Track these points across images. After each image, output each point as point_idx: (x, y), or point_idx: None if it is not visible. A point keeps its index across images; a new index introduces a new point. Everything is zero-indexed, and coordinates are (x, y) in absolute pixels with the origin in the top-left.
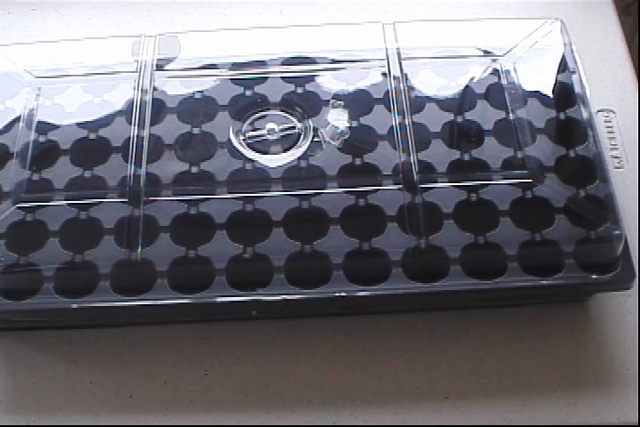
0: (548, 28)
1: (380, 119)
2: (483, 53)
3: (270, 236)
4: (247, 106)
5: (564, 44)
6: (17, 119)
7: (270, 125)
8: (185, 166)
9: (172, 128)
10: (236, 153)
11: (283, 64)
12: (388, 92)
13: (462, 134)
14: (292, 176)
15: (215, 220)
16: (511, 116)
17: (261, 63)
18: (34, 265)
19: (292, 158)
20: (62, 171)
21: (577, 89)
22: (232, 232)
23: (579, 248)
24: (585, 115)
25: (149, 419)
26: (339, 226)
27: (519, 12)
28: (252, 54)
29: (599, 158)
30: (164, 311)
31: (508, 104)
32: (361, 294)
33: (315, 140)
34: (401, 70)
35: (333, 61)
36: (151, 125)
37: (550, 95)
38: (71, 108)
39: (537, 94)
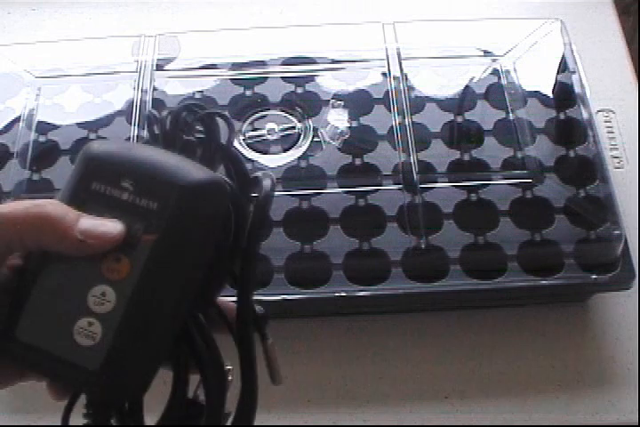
0: (548, 28)
1: (380, 119)
2: (483, 53)
3: (270, 236)
4: (247, 106)
5: (564, 44)
6: (17, 119)
7: (270, 125)
8: None
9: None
10: None
11: (283, 64)
12: (388, 92)
13: (462, 134)
14: (291, 176)
15: None
16: (511, 116)
17: (261, 63)
18: None
19: (291, 158)
20: (62, 171)
21: (577, 89)
22: None
23: (579, 248)
24: (585, 115)
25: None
26: (339, 226)
27: (519, 12)
28: (252, 54)
29: (599, 158)
30: None
31: (508, 104)
32: (361, 293)
33: (315, 140)
34: (401, 70)
35: (333, 61)
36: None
37: (550, 95)
38: (71, 108)
39: (537, 94)
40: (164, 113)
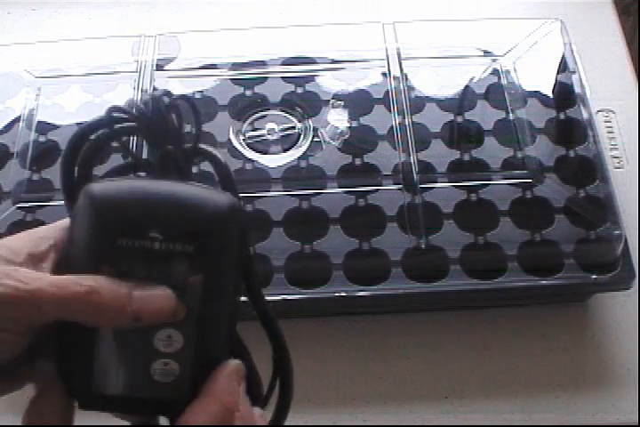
0: (548, 28)
1: (380, 119)
2: (483, 53)
3: (270, 236)
4: (247, 106)
5: (564, 44)
6: (17, 119)
7: (270, 125)
8: None
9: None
10: (235, 153)
11: (283, 64)
12: (387, 92)
13: (462, 134)
14: (291, 176)
15: None
16: (511, 116)
17: (261, 63)
18: None
19: (291, 158)
20: None
21: (577, 89)
22: None
23: (579, 248)
24: (585, 115)
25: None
26: (339, 226)
27: (519, 12)
28: (252, 54)
29: (599, 158)
30: None
31: (508, 104)
32: (361, 293)
33: (315, 140)
34: (401, 70)
35: (333, 61)
36: None
37: (550, 95)
38: (71, 108)
39: (537, 94)
40: (143, 100)
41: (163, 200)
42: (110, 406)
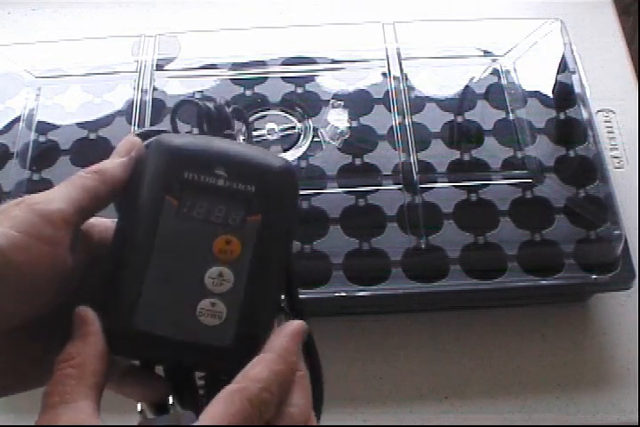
0: (548, 28)
1: (380, 119)
2: (483, 53)
3: None
4: (247, 106)
5: (564, 44)
6: (17, 119)
7: (270, 125)
8: None
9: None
10: None
11: (283, 64)
12: (388, 92)
13: (462, 134)
14: None
15: None
16: (511, 116)
17: (261, 63)
18: None
19: (291, 158)
20: (62, 171)
21: (577, 89)
22: None
23: (578, 248)
24: (585, 115)
25: None
26: (339, 226)
27: (519, 12)
28: (252, 54)
29: (599, 158)
30: None
31: (508, 104)
32: (361, 293)
33: (315, 140)
34: (401, 70)
35: (333, 61)
36: (151, 125)
37: (550, 95)
38: (71, 108)
39: (537, 94)
40: (212, 105)
41: (231, 146)
42: (147, 349)
